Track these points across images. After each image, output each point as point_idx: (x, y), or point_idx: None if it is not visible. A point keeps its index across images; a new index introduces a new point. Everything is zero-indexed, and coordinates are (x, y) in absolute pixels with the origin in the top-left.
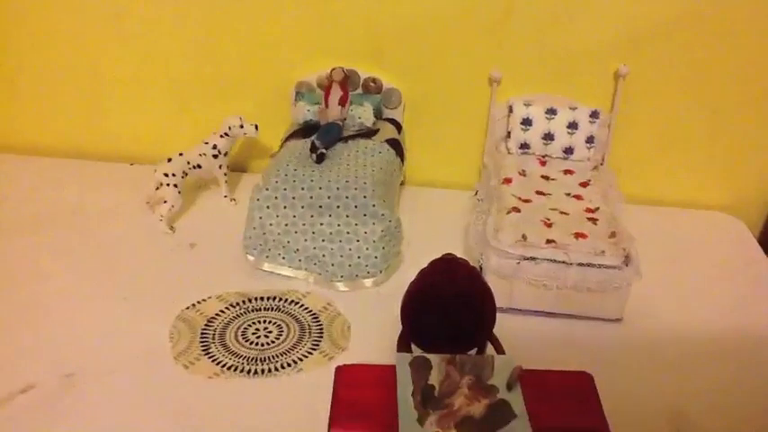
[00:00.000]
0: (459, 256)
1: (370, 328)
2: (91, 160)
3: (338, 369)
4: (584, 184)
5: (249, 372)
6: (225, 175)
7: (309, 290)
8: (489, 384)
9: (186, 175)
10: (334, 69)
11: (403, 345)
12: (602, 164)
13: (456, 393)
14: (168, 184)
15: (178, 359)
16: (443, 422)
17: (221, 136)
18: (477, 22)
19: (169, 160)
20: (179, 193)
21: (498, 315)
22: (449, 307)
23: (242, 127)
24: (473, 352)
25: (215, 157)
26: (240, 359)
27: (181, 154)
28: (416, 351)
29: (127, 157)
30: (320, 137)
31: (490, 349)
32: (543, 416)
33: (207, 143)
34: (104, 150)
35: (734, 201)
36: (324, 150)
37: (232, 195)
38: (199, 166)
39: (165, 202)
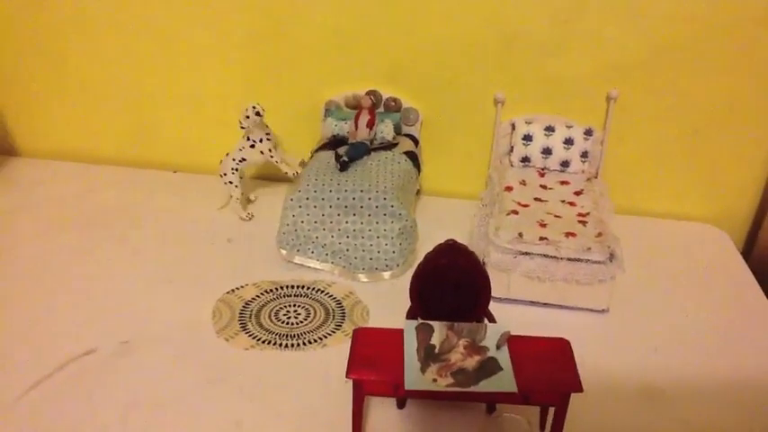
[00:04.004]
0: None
1: (386, 313)
2: (138, 168)
3: (355, 330)
4: (577, 193)
5: (281, 345)
6: (272, 157)
7: (334, 280)
8: (481, 345)
9: (236, 170)
10: (363, 98)
11: (411, 317)
12: (595, 176)
13: (453, 351)
14: (225, 182)
15: (220, 333)
16: (441, 372)
17: (244, 127)
18: (483, 50)
19: (220, 163)
20: (236, 186)
21: (497, 305)
22: (450, 285)
23: (257, 114)
24: None
25: (252, 146)
26: (273, 335)
27: (227, 154)
28: None
29: (171, 165)
30: (348, 150)
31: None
32: (525, 370)
33: (243, 137)
34: (150, 159)
35: (716, 213)
36: (346, 159)
37: (293, 171)
38: (243, 160)
39: (230, 197)
